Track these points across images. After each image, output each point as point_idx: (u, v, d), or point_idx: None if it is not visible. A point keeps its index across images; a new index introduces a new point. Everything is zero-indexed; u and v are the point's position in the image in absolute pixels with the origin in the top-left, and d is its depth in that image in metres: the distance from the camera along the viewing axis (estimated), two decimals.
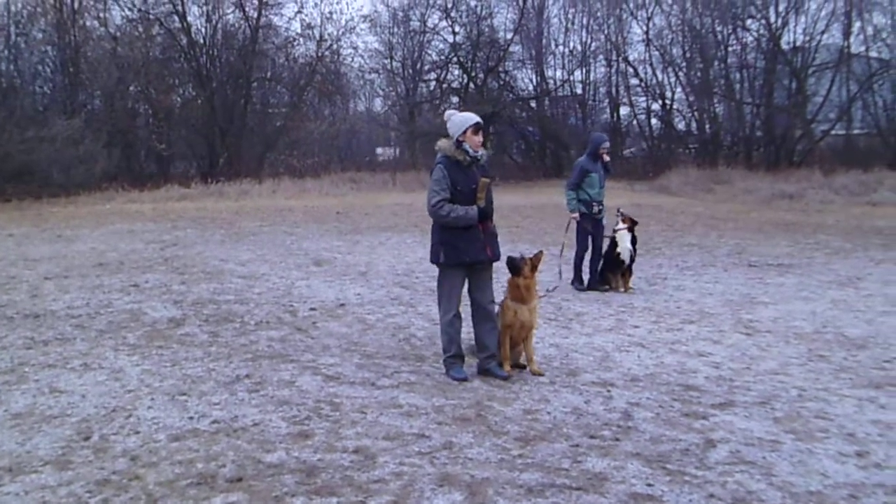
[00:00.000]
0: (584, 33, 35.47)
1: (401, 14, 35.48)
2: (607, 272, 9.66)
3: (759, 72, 32.39)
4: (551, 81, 35.80)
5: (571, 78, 35.77)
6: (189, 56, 30.48)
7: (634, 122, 36.69)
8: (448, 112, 5.92)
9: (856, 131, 32.70)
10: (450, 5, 34.48)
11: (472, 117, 5.70)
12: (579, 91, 36.20)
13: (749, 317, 8.04)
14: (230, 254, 12.48)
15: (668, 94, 34.96)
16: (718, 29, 32.73)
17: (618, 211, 10.18)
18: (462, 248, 5.65)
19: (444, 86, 36.69)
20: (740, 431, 4.73)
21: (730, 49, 33.04)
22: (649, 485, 4.00)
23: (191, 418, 4.96)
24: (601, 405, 5.26)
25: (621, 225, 9.80)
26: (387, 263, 11.50)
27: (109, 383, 5.70)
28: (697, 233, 15.27)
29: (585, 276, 9.79)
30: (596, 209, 9.71)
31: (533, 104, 36.20)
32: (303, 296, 9.05)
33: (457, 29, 34.85)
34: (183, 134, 31.07)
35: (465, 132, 5.65)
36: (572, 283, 9.78)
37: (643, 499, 3.86)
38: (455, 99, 36.60)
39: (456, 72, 36.12)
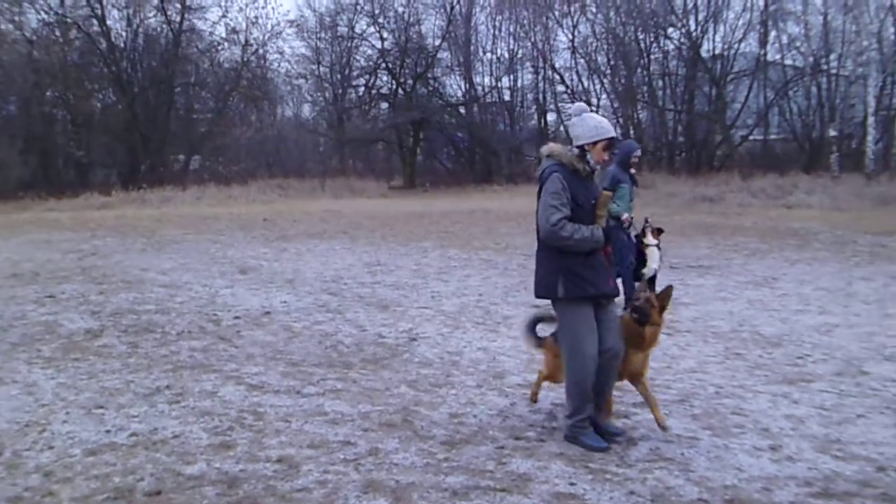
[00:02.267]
0: (511, 40, 35.83)
1: (328, 19, 35.27)
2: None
3: (681, 79, 33.23)
4: (480, 88, 36.06)
5: (499, 84, 36.10)
6: (109, 61, 29.68)
7: (562, 128, 37.21)
8: (579, 106, 4.78)
9: (772, 137, 33.87)
10: (377, 11, 34.44)
11: (610, 128, 4.63)
12: (507, 97, 36.56)
13: (670, 317, 8.21)
14: (151, 263, 12.18)
15: (594, 100, 35.57)
16: (641, 37, 33.47)
17: (646, 221, 9.15)
18: (587, 276, 4.54)
19: (373, 91, 36.59)
20: (660, 429, 4.84)
21: (652, 57, 33.82)
22: (572, 484, 4.06)
23: (108, 432, 4.82)
24: (527, 407, 5.31)
25: (651, 239, 8.98)
26: (314, 270, 11.39)
27: (22, 397, 5.50)
28: None
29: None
30: (625, 223, 8.75)
31: (462, 110, 36.40)
32: (227, 304, 8.89)
33: (385, 35, 34.84)
34: (103, 141, 30.24)
35: (596, 143, 4.58)
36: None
37: (566, 498, 3.91)
38: (384, 105, 36.58)
39: (385, 77, 36.08)
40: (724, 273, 11.01)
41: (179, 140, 31.35)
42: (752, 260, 12.24)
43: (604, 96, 35.52)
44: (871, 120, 25.73)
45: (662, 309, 4.79)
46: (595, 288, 4.55)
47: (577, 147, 4.61)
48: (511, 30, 35.68)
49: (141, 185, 26.61)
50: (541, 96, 36.30)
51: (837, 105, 30.43)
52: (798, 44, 31.81)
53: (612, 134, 4.62)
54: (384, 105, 36.65)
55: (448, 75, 36.24)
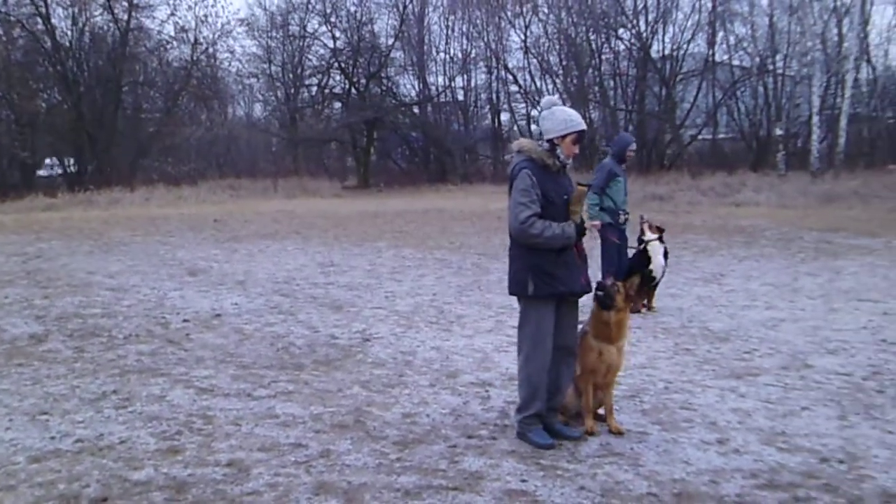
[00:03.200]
0: (464, 40, 35.97)
1: (279, 18, 35.00)
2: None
3: (631, 79, 33.72)
4: (433, 87, 36.12)
5: (453, 84, 36.19)
6: (54, 60, 29.03)
7: (515, 127, 37.45)
8: (549, 99, 4.68)
9: (721, 136, 34.56)
10: (329, 10, 34.26)
11: (580, 121, 4.53)
12: (461, 97, 36.67)
13: None
14: (98, 265, 11.91)
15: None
16: (592, 38, 33.87)
17: (642, 218, 8.81)
18: (558, 275, 4.48)
19: (326, 91, 36.37)
20: (616, 434, 4.88)
21: (603, 57, 34.26)
22: (523, 480, 4.07)
23: (52, 438, 4.69)
24: (479, 405, 5.32)
25: (650, 234, 8.59)
26: (266, 271, 11.26)
27: None
28: None
29: None
30: (622, 218, 8.62)
31: (416, 110, 36.39)
32: (176, 307, 8.73)
33: (337, 34, 34.66)
34: (48, 141, 29.50)
35: (565, 136, 4.49)
36: None
37: (517, 495, 3.92)
38: (337, 104, 36.38)
39: (337, 77, 35.89)
40: (673, 270, 11.09)
41: (127, 140, 30.74)
42: (701, 257, 12.45)
43: (556, 96, 35.75)
44: (815, 119, 26.37)
45: (628, 298, 4.76)
46: (565, 286, 4.50)
47: (547, 141, 4.51)
48: (464, 30, 35.88)
49: (88, 186, 26.04)
50: (494, 96, 36.50)
51: (783, 105, 31.19)
52: (745, 44, 32.59)
53: (582, 127, 4.52)
54: (337, 104, 36.47)
55: (401, 75, 36.30)
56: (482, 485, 4.04)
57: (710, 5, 32.08)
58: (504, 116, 37.33)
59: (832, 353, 6.61)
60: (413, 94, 36.57)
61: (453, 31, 36.06)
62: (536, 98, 35.58)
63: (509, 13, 35.36)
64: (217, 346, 6.99)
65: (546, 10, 34.70)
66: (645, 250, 8.52)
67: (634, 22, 32.54)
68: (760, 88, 32.14)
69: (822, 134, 27.30)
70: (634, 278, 5.01)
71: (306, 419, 5.04)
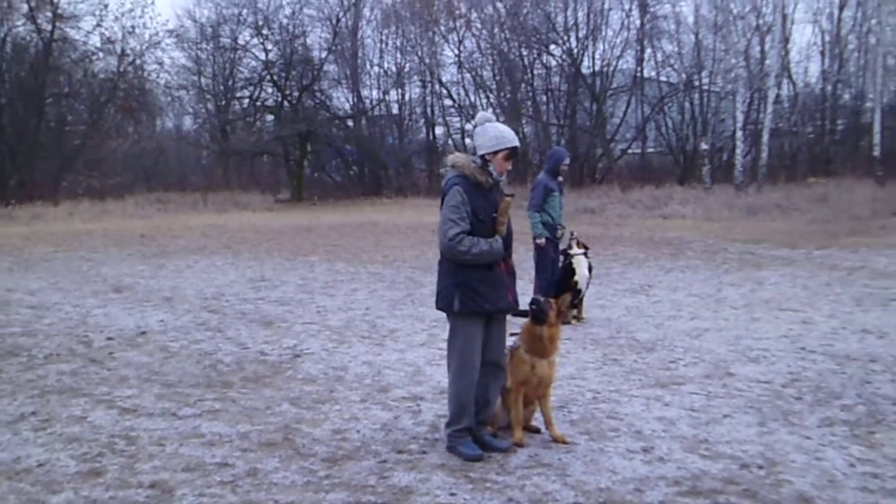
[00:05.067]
0: (398, 54, 36.04)
1: (210, 30, 34.47)
2: None
3: (563, 94, 34.28)
4: (367, 101, 36.06)
5: (387, 98, 36.22)
6: None
7: (450, 141, 37.65)
8: (482, 115, 4.70)
9: (650, 150, 35.38)
10: (261, 23, 33.91)
11: (513, 138, 4.55)
12: (395, 111, 36.70)
13: None
14: (18, 282, 11.50)
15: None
16: (524, 53, 34.34)
17: (572, 234, 9.08)
18: (484, 292, 4.52)
19: (258, 104, 35.96)
20: (539, 436, 4.94)
21: (535, 73, 34.75)
22: (452, 494, 4.07)
23: None
24: (410, 420, 5.31)
25: (577, 249, 8.84)
26: (194, 287, 11.03)
27: None
28: None
29: None
30: (559, 233, 8.86)
31: (350, 123, 36.27)
32: (99, 325, 8.48)
33: (269, 46, 34.33)
34: None
35: (497, 153, 4.52)
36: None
37: None
38: (270, 117, 35.99)
39: (270, 89, 35.52)
40: (603, 282, 11.35)
41: (51, 153, 29.81)
42: (630, 269, 12.70)
43: (490, 111, 36.13)
44: (739, 134, 27.23)
45: (560, 314, 4.87)
46: (491, 304, 4.54)
47: (480, 157, 4.54)
48: (398, 44, 35.92)
49: (9, 200, 25.14)
50: (429, 110, 36.63)
51: (709, 120, 32.13)
52: (672, 61, 33.49)
53: (514, 143, 4.53)
54: (269, 117, 36.05)
55: (335, 88, 36.12)
56: (411, 499, 4.03)
57: (638, 23, 32.94)
58: (439, 130, 37.50)
59: (753, 362, 6.81)
60: (347, 107, 36.48)
61: (387, 44, 36.16)
62: (471, 112, 35.87)
63: (443, 28, 35.60)
64: (141, 364, 6.81)
65: (479, 26, 35.06)
66: (570, 263, 8.74)
67: (565, 38, 33.11)
68: (687, 104, 33.04)
69: (746, 148, 28.20)
70: (566, 296, 5.14)
71: (233, 438, 4.95)
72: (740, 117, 27.53)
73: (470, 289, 4.51)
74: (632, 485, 4.19)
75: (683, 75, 32.93)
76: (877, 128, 25.63)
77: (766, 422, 5.19)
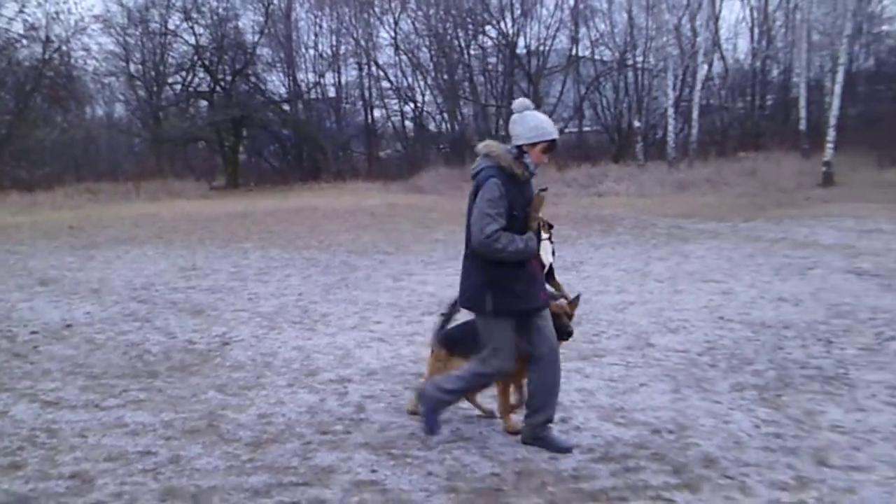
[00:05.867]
0: (333, 37, 35.65)
1: (137, 14, 33.53)
2: None
3: (500, 75, 34.41)
4: (303, 84, 35.61)
5: (323, 81, 35.84)
6: None
7: (389, 124, 37.52)
8: (521, 102, 4.38)
9: (586, 129, 35.80)
10: (190, 7, 33.15)
11: (553, 129, 4.29)
12: (332, 94, 36.36)
13: None
14: None
15: (419, 96, 36.14)
16: (460, 35, 34.34)
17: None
18: (518, 290, 4.24)
19: (190, 89, 35.24)
20: (462, 411, 5.04)
21: (472, 54, 34.79)
22: (374, 471, 4.16)
23: None
24: (336, 401, 5.37)
25: (543, 234, 8.91)
26: (123, 278, 10.84)
27: None
28: (445, 229, 15.94)
29: None
30: None
31: (286, 107, 35.82)
32: (24, 319, 8.30)
33: (199, 31, 33.62)
34: None
35: (535, 144, 4.24)
36: None
37: (366, 485, 4.01)
38: (203, 102, 35.31)
39: (202, 75, 34.80)
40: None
41: None
42: (563, 247, 12.84)
43: (428, 93, 36.16)
44: (671, 111, 27.76)
45: (571, 317, 4.69)
46: (526, 303, 4.28)
47: (516, 147, 4.26)
48: (333, 26, 35.51)
49: None
50: (366, 93, 36.38)
51: (643, 97, 32.66)
52: (605, 40, 33.89)
53: (555, 135, 4.28)
54: (203, 103, 35.37)
55: (269, 72, 35.56)
56: (333, 478, 4.10)
57: (571, 2, 33.21)
58: (377, 113, 37.32)
59: (673, 332, 7.05)
60: (282, 91, 35.99)
61: (321, 27, 35.71)
62: (409, 94, 35.80)
63: (377, 9, 35.32)
64: (66, 357, 6.71)
65: (414, 7, 34.89)
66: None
67: (500, 19, 33.21)
68: (621, 82, 33.51)
69: (679, 125, 28.77)
70: (577, 300, 4.84)
71: (157, 427, 4.94)
72: (672, 95, 28.06)
73: (503, 287, 4.22)
74: (548, 454, 4.33)
75: (617, 54, 33.38)
76: (802, 102, 26.38)
77: (679, 389, 5.40)
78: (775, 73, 33.82)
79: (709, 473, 4.03)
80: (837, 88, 22.03)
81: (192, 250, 13.59)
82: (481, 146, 4.37)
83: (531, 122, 4.26)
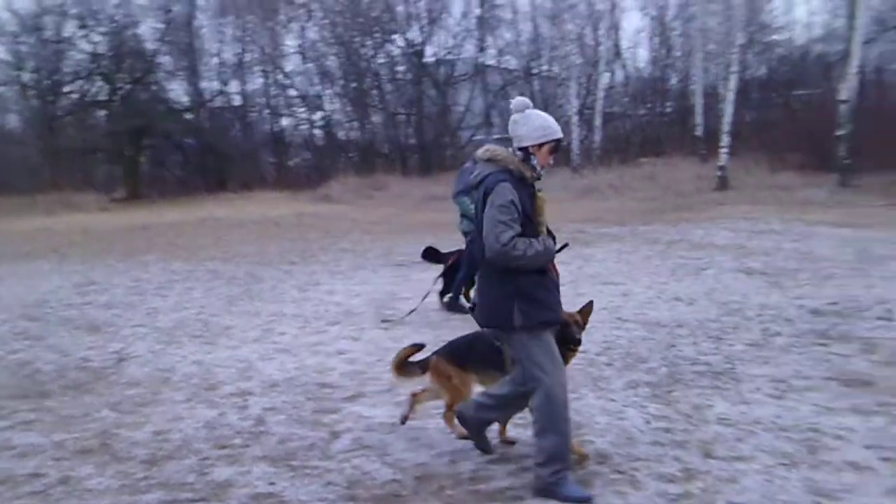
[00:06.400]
0: (237, 44, 35.03)
1: (30, 22, 32.15)
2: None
3: (408, 83, 34.56)
4: (207, 93, 34.86)
5: (227, 89, 35.18)
6: None
7: (297, 132, 37.12)
8: (521, 101, 4.09)
9: (496, 136, 36.27)
10: (86, 14, 31.98)
11: (558, 128, 4.03)
12: (238, 102, 35.74)
13: (389, 312, 8.59)
14: None
15: (327, 104, 35.93)
16: (368, 43, 34.31)
17: None
18: (544, 300, 3.94)
19: (88, 99, 33.99)
20: (364, 420, 5.06)
21: (380, 62, 34.82)
22: (272, 483, 4.13)
23: None
24: (236, 415, 5.29)
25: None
26: (15, 295, 10.38)
27: None
28: (352, 238, 15.91)
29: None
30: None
31: (189, 116, 34.97)
32: None
33: (96, 38, 32.47)
34: None
35: (542, 145, 3.99)
36: (450, 307, 8.58)
37: (264, 497, 3.98)
38: (101, 112, 34.12)
39: (100, 83, 33.61)
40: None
41: None
42: None
43: (336, 101, 35.99)
44: (575, 118, 28.44)
45: (583, 327, 4.41)
46: (553, 312, 4.01)
47: (521, 149, 4.01)
48: (237, 33, 34.91)
49: None
50: (273, 101, 35.91)
51: (548, 105, 33.35)
52: (511, 49, 34.49)
53: (561, 134, 4.03)
54: (101, 112, 34.18)
55: (171, 80, 34.64)
56: (230, 492, 4.05)
57: (477, 11, 33.66)
58: (285, 121, 36.89)
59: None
60: (185, 99, 35.15)
61: (225, 34, 35.06)
62: (317, 102, 35.51)
63: (283, 17, 34.96)
64: None
65: (321, 15, 34.68)
66: None
67: (407, 27, 33.37)
68: (528, 91, 34.11)
69: (583, 132, 29.50)
70: (589, 307, 4.52)
71: (47, 448, 4.78)
72: (576, 102, 28.77)
73: (529, 298, 3.89)
74: (448, 457, 4.39)
75: (522, 63, 34.00)
76: (699, 109, 27.45)
77: (577, 389, 5.53)
78: (674, 80, 35.06)
79: (601, 469, 4.16)
80: (731, 96, 22.97)
81: (90, 265, 13.13)
82: (482, 152, 4.11)
83: (536, 122, 4.01)
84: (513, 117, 4.07)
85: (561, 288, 4.14)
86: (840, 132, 19.69)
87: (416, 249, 13.55)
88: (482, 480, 4.08)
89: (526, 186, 3.95)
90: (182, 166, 36.13)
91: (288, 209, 22.67)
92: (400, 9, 33.61)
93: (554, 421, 3.88)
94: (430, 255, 9.36)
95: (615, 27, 33.50)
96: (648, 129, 33.48)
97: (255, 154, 35.76)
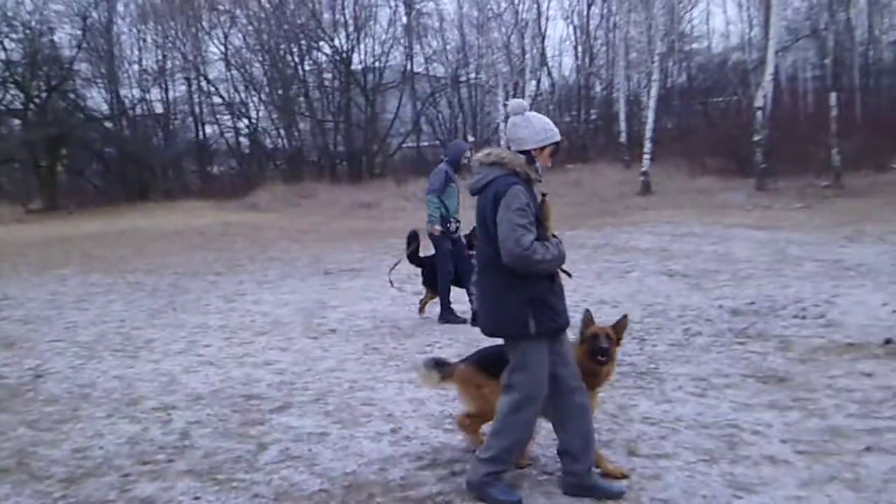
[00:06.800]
0: (158, 51, 34.25)
1: None
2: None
3: (335, 90, 34.37)
4: (127, 100, 33.94)
5: (149, 97, 34.33)
6: None
7: (222, 140, 36.47)
8: (519, 103, 3.98)
9: (424, 143, 36.40)
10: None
11: (556, 130, 3.95)
12: (160, 110, 34.91)
13: (317, 321, 8.51)
14: None
15: (253, 112, 35.44)
16: (294, 50, 34.00)
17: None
18: (556, 306, 3.88)
19: (1, 107, 32.69)
20: (292, 430, 4.99)
21: (307, 69, 34.57)
22: (196, 498, 4.04)
23: None
24: (159, 430, 5.15)
25: None
26: None
27: None
28: (280, 247, 15.71)
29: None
30: (453, 226, 8.32)
31: (109, 124, 33.99)
32: None
33: (10, 45, 31.31)
34: None
35: (544, 148, 3.91)
36: (443, 318, 8.26)
37: None
38: (16, 121, 32.87)
39: (14, 91, 32.37)
40: (373, 274, 11.58)
41: None
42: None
43: (262, 108, 35.53)
44: (503, 126, 28.72)
45: (619, 341, 4.24)
46: (563, 318, 3.93)
47: (522, 152, 3.91)
48: (158, 40, 34.14)
49: None
50: (196, 108, 35.21)
51: (476, 112, 33.66)
52: (439, 57, 34.69)
53: (559, 137, 3.98)
54: (16, 121, 32.92)
55: (89, 88, 33.64)
56: None
57: (404, 19, 33.74)
58: (210, 129, 36.18)
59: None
60: (105, 107, 34.15)
61: (146, 41, 34.26)
62: (242, 110, 34.98)
63: (206, 24, 34.34)
64: None
65: (245, 22, 34.20)
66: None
67: (334, 35, 33.20)
68: (456, 98, 34.35)
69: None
70: (624, 321, 4.33)
71: None
72: (503, 110, 29.03)
73: (543, 304, 3.82)
74: (377, 465, 4.37)
75: (450, 70, 34.23)
76: (622, 116, 28.11)
77: None
78: (598, 88, 35.85)
79: (528, 471, 4.20)
80: (652, 103, 23.60)
81: (4, 279, 12.62)
82: (484, 155, 3.97)
83: (538, 125, 3.92)
84: (511, 120, 3.98)
85: None
86: (756, 138, 20.41)
87: (344, 257, 13.54)
88: (411, 487, 4.07)
89: (532, 189, 3.89)
90: (102, 176, 35.12)
91: (213, 218, 22.25)
92: (326, 16, 33.48)
93: (511, 427, 3.87)
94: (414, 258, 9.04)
95: (541, 36, 34.09)
96: (574, 135, 34.06)
97: (178, 163, 35.00)
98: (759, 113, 20.42)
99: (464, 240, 8.44)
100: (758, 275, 9.68)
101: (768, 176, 20.37)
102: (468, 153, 8.49)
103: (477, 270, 4.12)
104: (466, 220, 8.75)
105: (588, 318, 4.22)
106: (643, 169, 22.55)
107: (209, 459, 4.57)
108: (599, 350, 4.09)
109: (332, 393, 5.79)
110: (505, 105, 28.94)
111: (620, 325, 4.25)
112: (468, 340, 7.22)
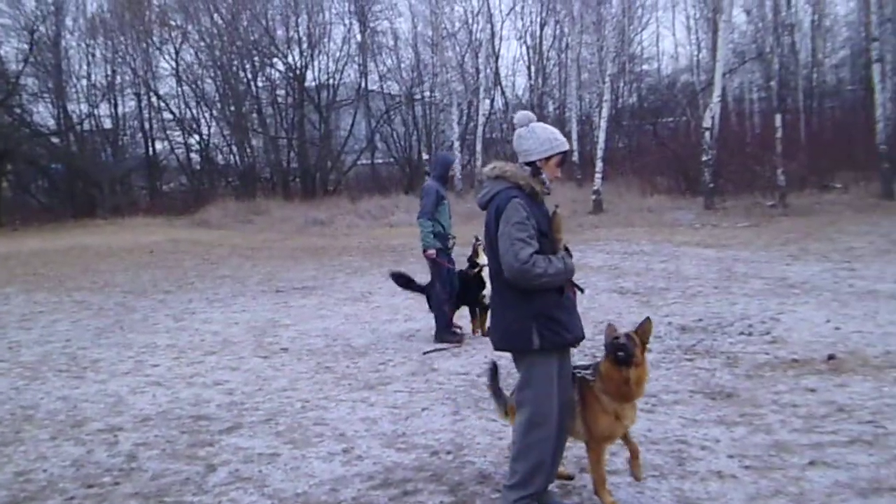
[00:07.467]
0: (107, 66, 33.72)
1: None
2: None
3: (289, 107, 34.20)
4: (75, 115, 33.31)
5: (97, 112, 33.74)
6: None
7: (173, 156, 35.97)
8: (525, 115, 3.93)
9: (378, 161, 36.40)
10: None
11: (564, 140, 3.91)
12: (108, 125, 34.31)
13: (269, 340, 8.42)
14: None
15: (205, 128, 35.06)
16: (247, 66, 33.78)
17: (477, 239, 8.33)
18: (563, 320, 3.79)
19: None
20: (242, 451, 4.93)
21: (260, 86, 34.35)
22: None
23: None
24: (105, 452, 5.05)
25: (483, 258, 7.92)
26: None
27: None
28: (232, 264, 15.51)
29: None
30: (451, 243, 8.22)
31: (56, 140, 33.31)
32: None
33: None
34: None
35: (550, 158, 3.87)
36: (441, 338, 7.98)
37: None
38: None
39: None
40: (326, 292, 11.52)
41: None
42: (353, 278, 12.98)
43: (214, 124, 35.18)
44: (457, 144, 28.90)
45: (644, 345, 3.97)
46: (572, 333, 3.85)
47: (528, 164, 3.89)
48: (107, 55, 33.62)
49: None
50: (146, 124, 34.71)
51: (431, 130, 33.78)
52: (393, 75, 34.77)
53: (567, 147, 3.93)
54: None
55: (35, 103, 32.94)
56: None
57: (359, 37, 33.79)
58: (160, 145, 35.70)
59: (455, 356, 7.29)
60: (51, 122, 33.45)
61: (94, 56, 33.70)
62: (193, 126, 34.58)
63: (156, 39, 33.94)
64: None
65: (196, 38, 33.89)
66: (479, 273, 8.22)
67: (287, 51, 33.08)
68: (410, 116, 34.44)
69: (465, 157, 30.00)
70: (648, 324, 4.02)
71: None
72: (457, 128, 29.26)
73: (549, 318, 3.76)
74: (328, 486, 4.33)
75: (405, 88, 34.33)
76: (574, 136, 28.47)
77: (459, 410, 5.60)
78: (551, 108, 36.26)
79: (481, 489, 4.21)
80: (603, 123, 23.96)
81: None
82: (489, 169, 3.95)
83: (543, 135, 3.88)
84: (517, 132, 3.94)
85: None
86: (704, 158, 20.83)
87: (296, 275, 13.44)
88: None
89: (538, 202, 3.87)
90: (48, 192, 34.39)
91: (163, 236, 21.89)
92: (280, 32, 33.34)
93: (528, 448, 3.79)
94: (402, 281, 8.89)
95: (494, 55, 34.46)
96: None
97: (126, 179, 34.44)
98: (706, 133, 20.84)
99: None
100: (706, 292, 9.86)
101: (716, 195, 20.79)
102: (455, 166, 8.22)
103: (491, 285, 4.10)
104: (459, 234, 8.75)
105: (611, 328, 4.06)
106: (595, 187, 22.83)
107: (156, 482, 4.49)
108: (615, 346, 3.86)
109: (283, 413, 5.73)
110: (459, 124, 29.61)
111: (644, 328, 3.98)
112: (421, 359, 7.24)
